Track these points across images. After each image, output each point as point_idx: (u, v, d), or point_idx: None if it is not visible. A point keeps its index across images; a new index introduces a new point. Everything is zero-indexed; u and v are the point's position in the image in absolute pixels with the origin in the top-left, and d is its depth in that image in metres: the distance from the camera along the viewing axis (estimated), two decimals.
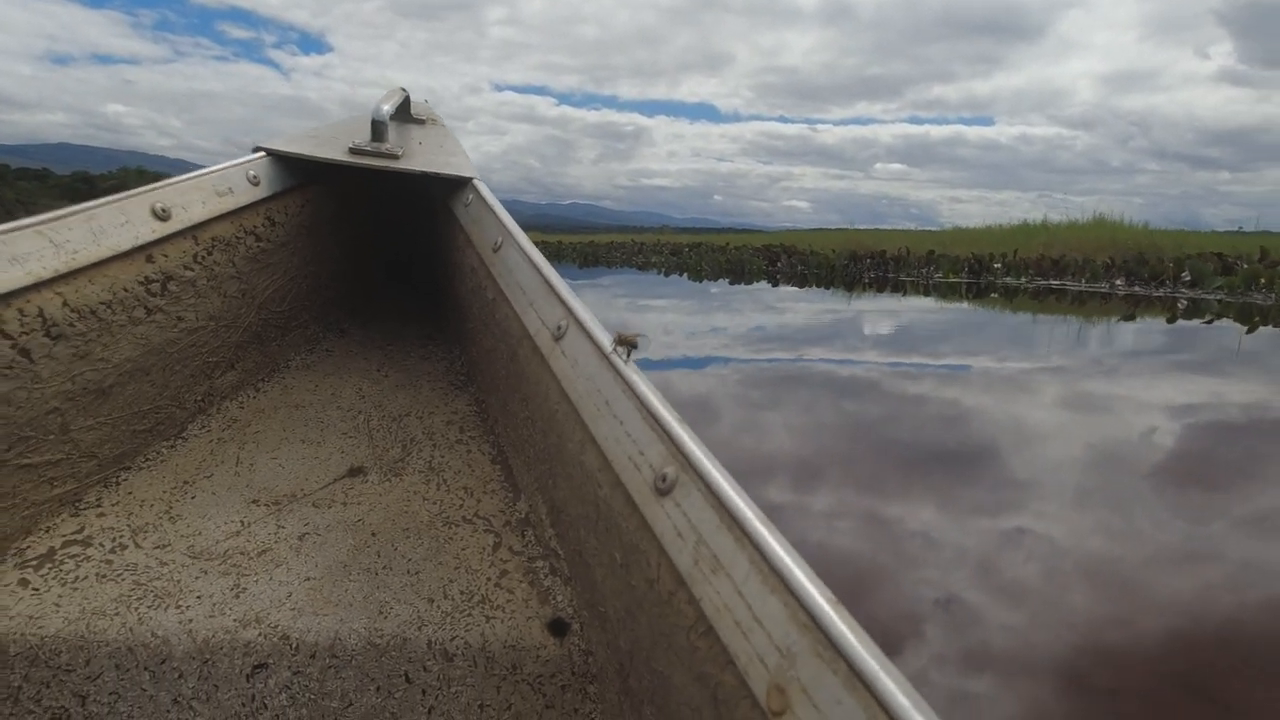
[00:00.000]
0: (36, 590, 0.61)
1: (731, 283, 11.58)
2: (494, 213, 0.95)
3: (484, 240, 0.96)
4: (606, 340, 0.64)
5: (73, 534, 0.68)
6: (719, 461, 0.48)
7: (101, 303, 0.74)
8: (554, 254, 21.84)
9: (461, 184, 1.07)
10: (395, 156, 1.03)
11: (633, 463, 0.53)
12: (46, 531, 0.68)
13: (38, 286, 0.67)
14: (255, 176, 0.98)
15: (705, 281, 11.82)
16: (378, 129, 1.04)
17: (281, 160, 1.02)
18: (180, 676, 0.56)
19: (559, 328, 0.70)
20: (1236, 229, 17.14)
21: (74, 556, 0.65)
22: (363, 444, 0.92)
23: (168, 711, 0.56)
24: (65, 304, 0.69)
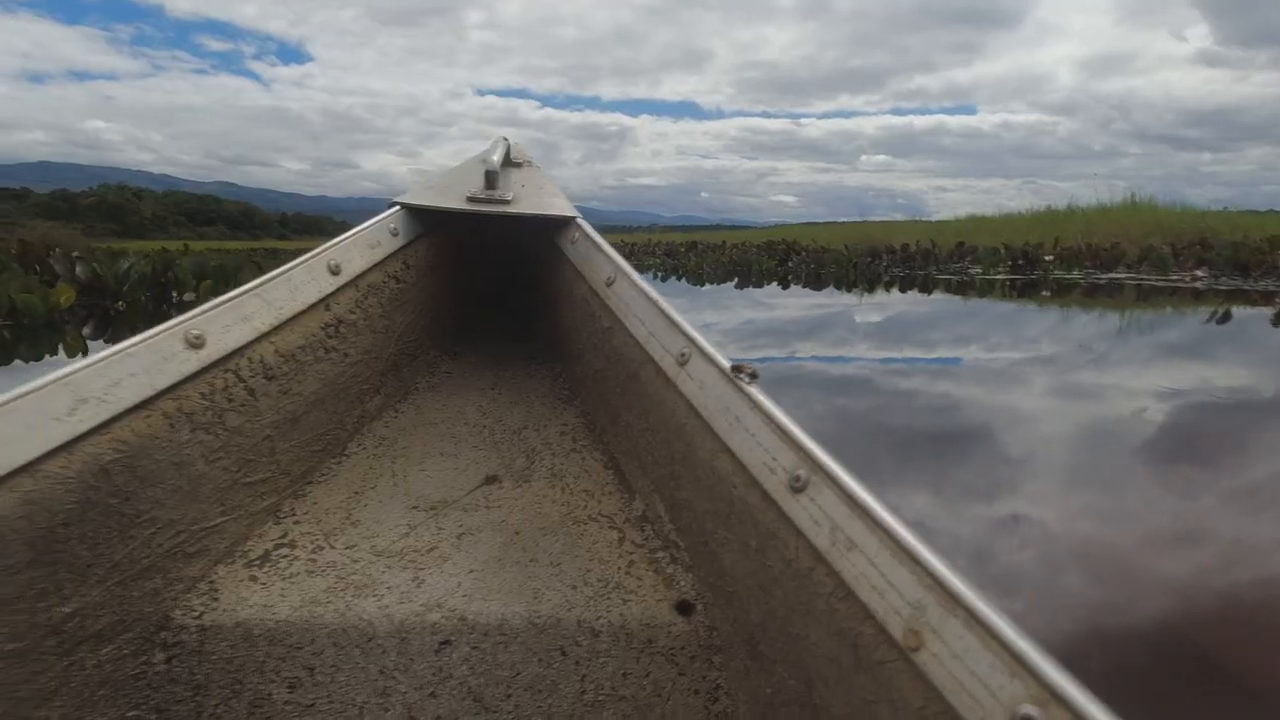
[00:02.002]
0: (264, 584, 0.74)
1: (739, 285, 10.09)
2: (602, 250, 1.11)
3: (595, 275, 1.10)
4: (727, 364, 0.74)
5: (280, 538, 0.83)
6: (846, 465, 0.57)
7: (298, 347, 0.91)
8: None
9: (566, 222, 1.22)
10: (507, 202, 1.19)
11: (767, 467, 0.63)
12: (260, 536, 0.82)
13: (259, 339, 0.84)
14: (395, 229, 1.14)
15: (709, 285, 10.34)
16: (490, 178, 1.19)
17: (413, 211, 1.18)
18: (383, 652, 0.70)
19: (682, 355, 0.82)
20: (1222, 209, 15.72)
21: (285, 556, 0.79)
22: (492, 455, 1.07)
23: (375, 680, 0.69)
24: (276, 350, 0.87)
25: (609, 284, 1.04)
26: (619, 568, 0.81)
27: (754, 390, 0.69)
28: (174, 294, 6.40)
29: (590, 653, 0.71)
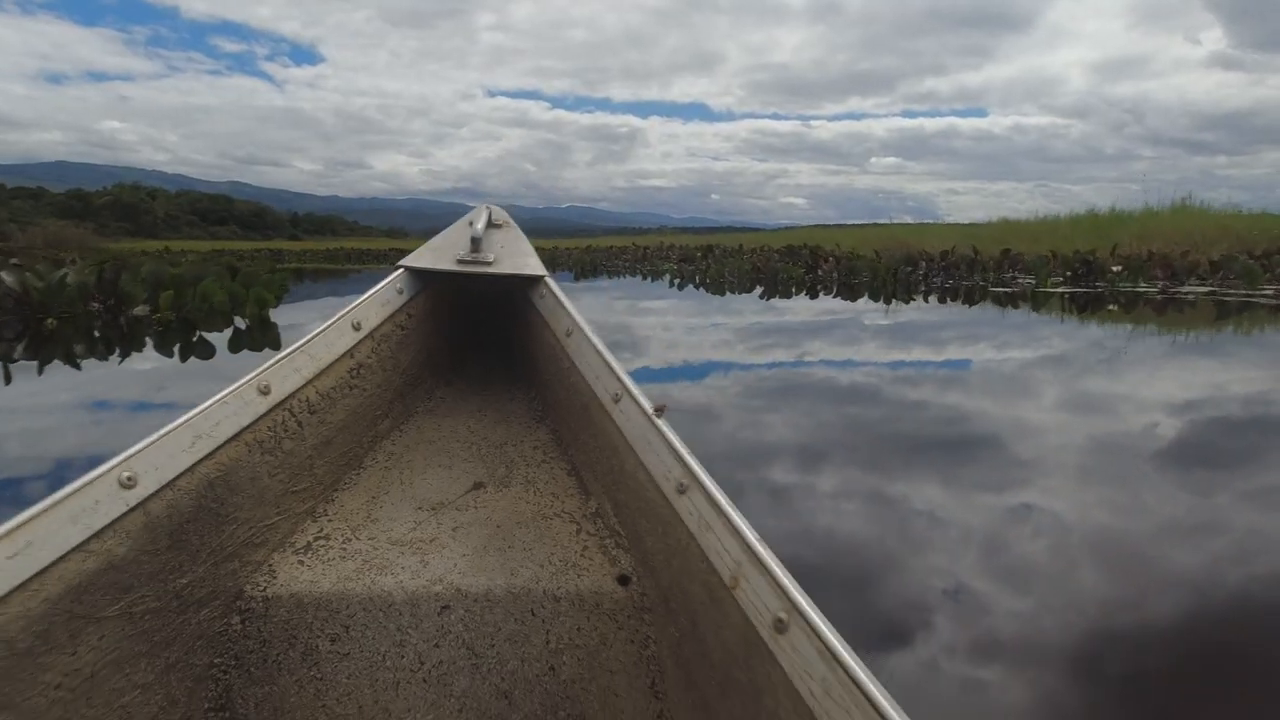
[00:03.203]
0: (309, 566, 0.95)
1: (765, 295, 9.16)
2: (564, 306, 1.34)
3: (558, 325, 1.34)
4: (648, 404, 0.99)
5: (318, 532, 1.04)
6: (714, 476, 0.82)
7: (331, 387, 1.15)
8: (549, 261, 19.24)
9: (537, 280, 1.46)
10: (489, 263, 1.43)
11: (665, 477, 0.89)
12: (303, 531, 1.04)
13: (306, 384, 1.09)
14: (400, 288, 1.39)
15: (731, 294, 9.42)
16: (475, 243, 1.43)
17: (414, 272, 1.42)
18: (399, 614, 0.91)
19: (616, 394, 1.07)
20: (1236, 211, 14.63)
21: (323, 545, 1.01)
22: (479, 465, 1.29)
23: (393, 635, 0.90)
24: (316, 391, 1.11)
25: (568, 334, 1.30)
26: (576, 551, 1.04)
27: (661, 423, 0.95)
28: (126, 308, 5.54)
29: (553, 613, 0.94)
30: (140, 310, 5.59)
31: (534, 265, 1.47)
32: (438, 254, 1.46)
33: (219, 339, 5.02)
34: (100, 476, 0.74)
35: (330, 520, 1.08)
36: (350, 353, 1.22)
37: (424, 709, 0.89)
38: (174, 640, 0.80)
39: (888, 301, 8.57)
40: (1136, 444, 2.76)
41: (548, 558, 1.01)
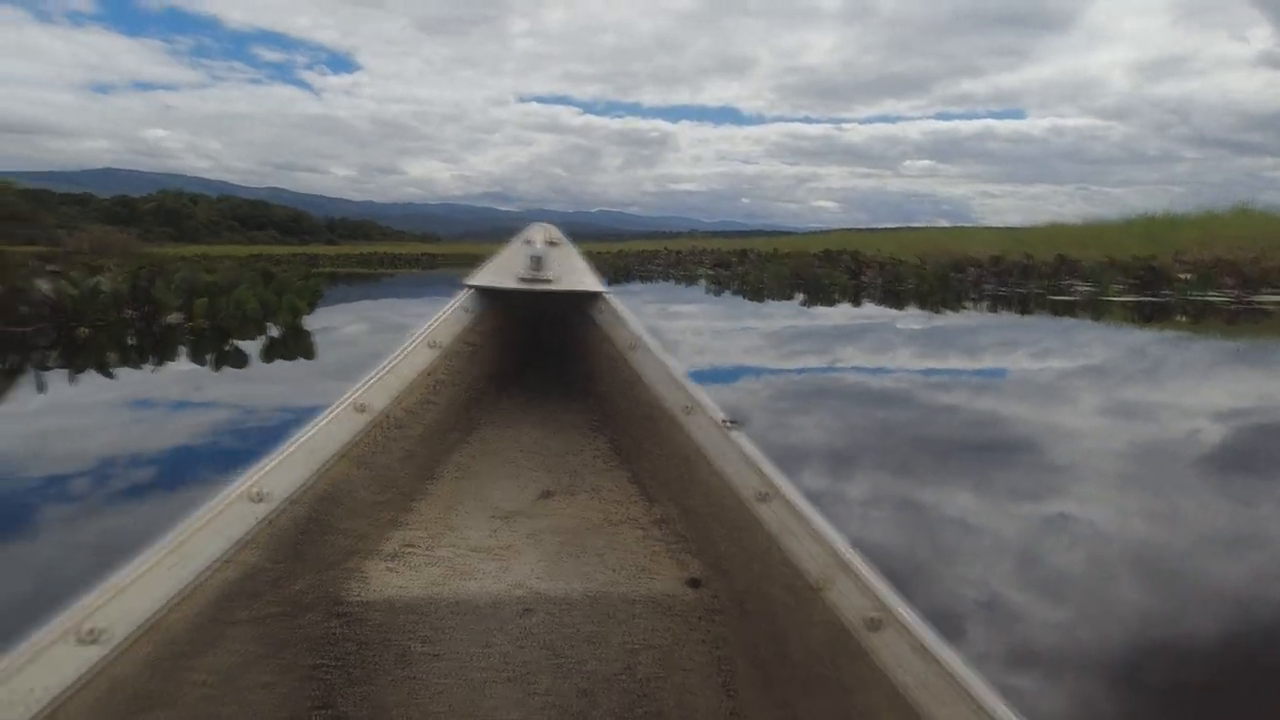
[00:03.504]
0: (398, 573, 1.00)
1: (808, 303, 8.85)
2: (625, 321, 1.40)
3: (620, 340, 1.39)
4: (721, 416, 1.04)
5: (403, 541, 1.07)
6: (795, 483, 0.88)
7: (414, 403, 1.20)
8: None
9: (596, 296, 1.50)
10: (549, 281, 1.48)
11: (743, 484, 0.92)
12: (389, 539, 1.07)
13: (393, 402, 1.13)
14: (468, 307, 1.45)
15: (769, 300, 9.12)
16: (535, 262, 1.48)
17: (479, 290, 1.48)
18: (484, 618, 0.95)
19: (686, 407, 1.11)
20: None
21: (409, 553, 1.05)
22: (545, 474, 1.33)
23: (479, 637, 0.95)
24: (401, 407, 1.16)
25: (632, 348, 1.34)
26: (645, 555, 1.07)
27: (736, 434, 0.99)
28: (159, 316, 5.45)
29: (629, 615, 0.97)
30: (174, 318, 5.49)
31: (592, 282, 1.55)
32: (501, 273, 1.55)
33: (253, 347, 4.91)
34: (238, 492, 0.82)
35: (412, 529, 1.14)
36: (428, 370, 1.30)
37: (510, 707, 0.95)
38: (288, 643, 0.86)
39: (937, 310, 8.20)
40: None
41: (619, 562, 1.06)
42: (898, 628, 0.65)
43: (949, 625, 1.44)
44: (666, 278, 14.19)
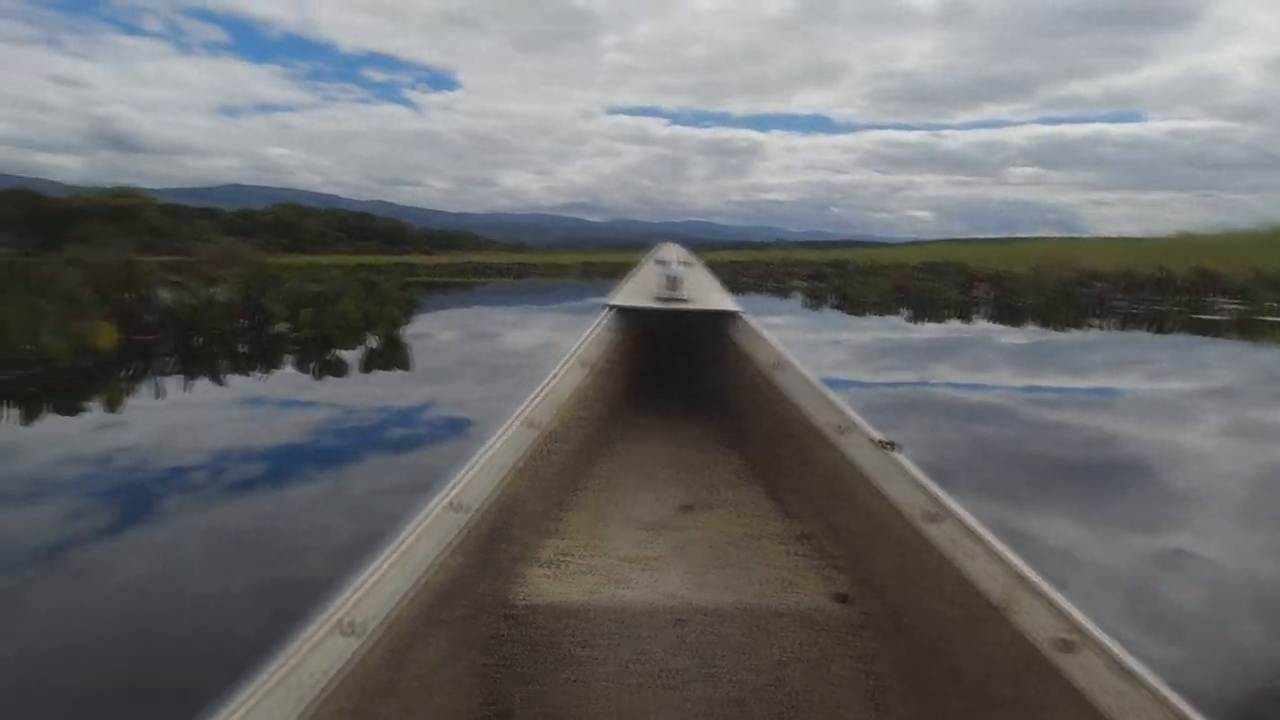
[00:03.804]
0: (557, 579, 1.04)
1: (915, 319, 8.30)
2: (766, 340, 1.42)
3: (761, 358, 1.40)
4: (878, 436, 1.02)
5: (557, 549, 1.13)
6: (963, 503, 0.85)
7: (570, 418, 1.29)
8: None
9: (732, 315, 1.55)
10: (685, 301, 1.55)
11: (908, 504, 0.91)
12: (545, 547, 1.12)
13: (554, 417, 1.21)
14: (610, 326, 1.52)
15: (870, 315, 8.61)
16: (672, 282, 1.56)
17: (619, 310, 1.56)
18: (640, 625, 0.98)
19: (840, 426, 1.10)
20: None
21: (565, 560, 1.10)
22: (682, 488, 1.36)
23: (636, 644, 0.98)
24: (560, 421, 1.23)
25: (775, 367, 1.36)
26: (790, 570, 1.08)
27: (898, 455, 0.98)
28: (268, 326, 5.62)
29: (778, 628, 0.98)
30: (282, 327, 5.64)
31: (727, 302, 1.59)
32: (639, 293, 1.62)
33: (354, 356, 4.96)
34: (444, 503, 0.88)
35: (564, 538, 1.17)
36: (580, 386, 1.36)
37: (666, 711, 0.97)
38: (471, 644, 0.91)
39: (1060, 328, 7.50)
40: None
41: (765, 576, 1.07)
42: (1094, 648, 0.65)
43: None
44: (760, 290, 13.80)
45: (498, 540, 0.99)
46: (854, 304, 9.72)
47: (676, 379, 1.89)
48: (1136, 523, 2.21)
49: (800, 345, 5.95)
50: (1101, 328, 7.59)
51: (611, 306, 1.56)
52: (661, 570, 1.08)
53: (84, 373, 3.98)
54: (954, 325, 7.79)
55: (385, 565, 0.77)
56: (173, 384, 3.95)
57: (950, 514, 0.85)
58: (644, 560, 1.11)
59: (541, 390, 1.22)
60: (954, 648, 0.80)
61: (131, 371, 4.24)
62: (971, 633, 0.78)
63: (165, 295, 5.30)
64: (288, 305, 5.66)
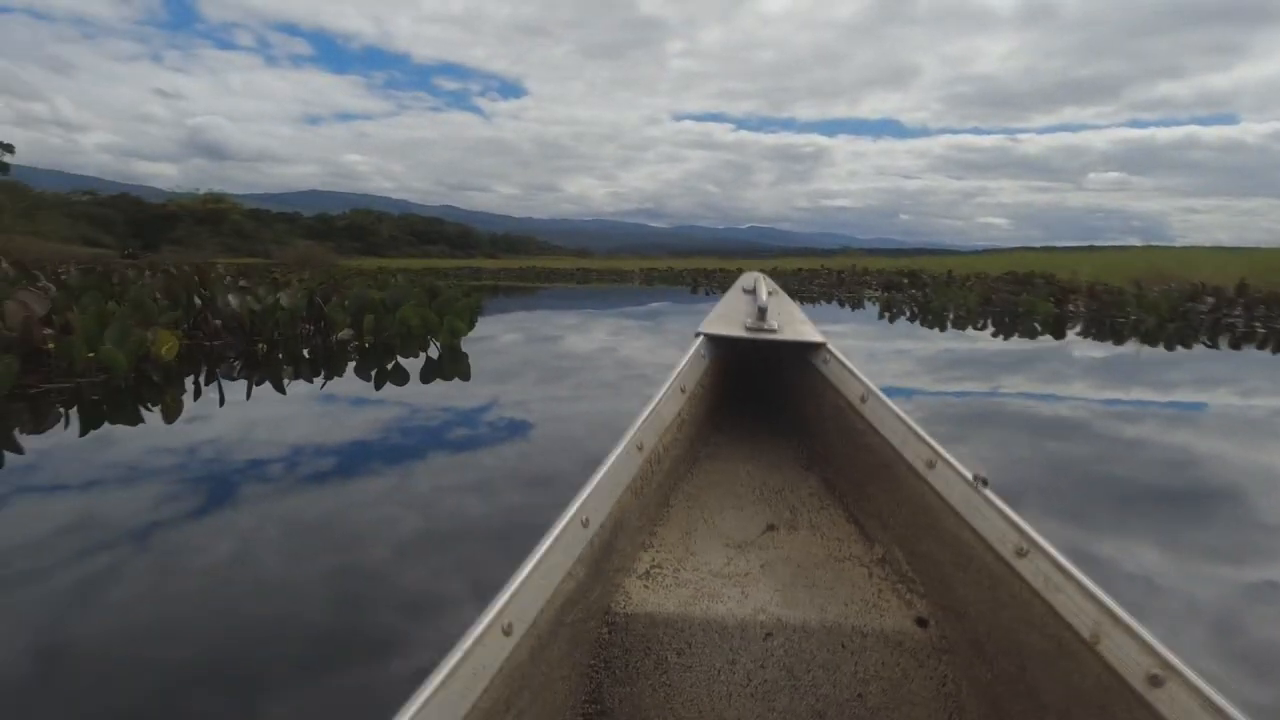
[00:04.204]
0: (652, 590, 1.11)
1: (1001, 334, 7.69)
2: (853, 372, 1.45)
3: (849, 390, 1.43)
4: (968, 472, 1.04)
5: (651, 562, 1.19)
6: (1054, 543, 0.87)
7: (670, 440, 1.37)
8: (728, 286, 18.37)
9: (819, 346, 1.59)
10: (774, 330, 1.63)
11: (1000, 539, 0.93)
12: (641, 560, 1.19)
13: (658, 440, 1.31)
14: (703, 353, 1.59)
15: (951, 329, 8.04)
16: (761, 312, 1.64)
17: (711, 338, 1.63)
18: (731, 637, 1.04)
19: (930, 461, 1.13)
20: None
21: (659, 573, 1.16)
22: (766, 508, 1.42)
23: (726, 654, 1.03)
24: (662, 444, 1.32)
25: (863, 400, 1.38)
26: (872, 592, 1.12)
27: (988, 491, 0.99)
28: (332, 332, 5.56)
29: (860, 647, 1.02)
30: (345, 334, 5.57)
31: (813, 333, 1.65)
32: (729, 322, 1.69)
33: (414, 365, 4.83)
34: (576, 519, 0.96)
35: (658, 551, 1.25)
36: (679, 411, 1.45)
37: None
38: (582, 645, 0.98)
39: (1170, 347, 6.80)
40: None
41: (849, 596, 1.12)
42: (1183, 685, 0.67)
43: None
44: (830, 299, 13.26)
45: (609, 553, 1.07)
46: (936, 316, 9.13)
47: (762, 404, 1.97)
48: None
49: (894, 373, 5.53)
50: (1224, 347, 6.85)
51: (704, 335, 1.66)
52: (750, 586, 1.15)
53: (144, 381, 3.94)
54: (1046, 341, 7.16)
55: (531, 573, 0.84)
56: (231, 391, 3.86)
57: (1039, 548, 0.88)
58: (734, 576, 1.18)
59: (647, 415, 1.30)
60: (1038, 678, 0.84)
61: (188, 383, 4.19)
62: (1057, 664, 0.82)
63: (232, 300, 5.29)
64: (350, 313, 5.59)
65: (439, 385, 4.32)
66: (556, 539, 0.91)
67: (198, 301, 5.18)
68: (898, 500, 1.21)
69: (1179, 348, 6.78)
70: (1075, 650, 0.78)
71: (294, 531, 2.10)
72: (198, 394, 3.88)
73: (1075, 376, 5.21)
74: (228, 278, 6.51)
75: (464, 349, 5.47)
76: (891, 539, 1.23)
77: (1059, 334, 7.76)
